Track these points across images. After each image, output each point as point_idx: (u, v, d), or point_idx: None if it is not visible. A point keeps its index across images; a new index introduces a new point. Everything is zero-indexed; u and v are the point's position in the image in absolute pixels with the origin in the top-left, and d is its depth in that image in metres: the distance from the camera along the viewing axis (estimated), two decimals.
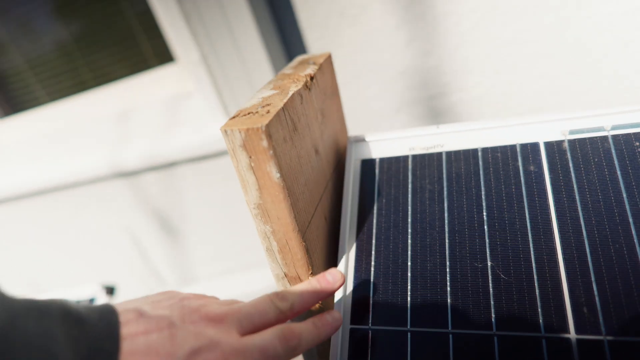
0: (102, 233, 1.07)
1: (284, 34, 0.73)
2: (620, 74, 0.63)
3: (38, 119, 1.05)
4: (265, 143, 0.26)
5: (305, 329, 0.27)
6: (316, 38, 0.71)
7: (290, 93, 0.30)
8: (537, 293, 0.27)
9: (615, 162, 0.29)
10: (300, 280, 0.32)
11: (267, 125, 0.26)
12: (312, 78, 0.34)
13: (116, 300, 1.18)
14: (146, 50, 0.93)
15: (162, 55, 0.92)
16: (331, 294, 0.30)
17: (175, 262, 1.09)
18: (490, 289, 0.29)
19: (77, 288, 0.97)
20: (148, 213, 1.02)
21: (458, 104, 0.72)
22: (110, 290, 1.01)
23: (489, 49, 0.66)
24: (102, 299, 0.93)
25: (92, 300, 0.94)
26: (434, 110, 0.73)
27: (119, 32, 0.91)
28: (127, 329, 0.22)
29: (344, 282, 0.31)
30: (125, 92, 0.96)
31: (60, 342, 0.20)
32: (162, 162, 0.89)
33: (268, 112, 0.27)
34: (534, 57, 0.65)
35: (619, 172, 0.29)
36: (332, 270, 0.31)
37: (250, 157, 0.27)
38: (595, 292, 0.26)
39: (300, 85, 0.32)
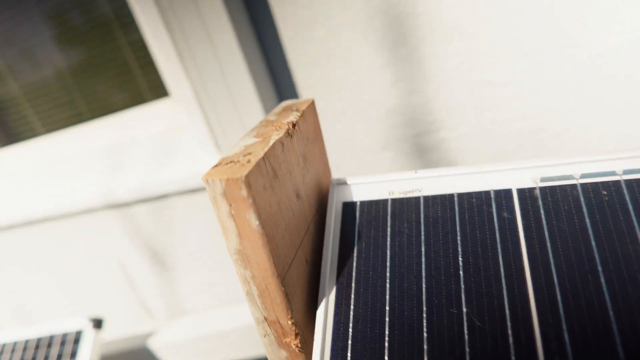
0: (92, 264, 1.07)
1: (273, 72, 0.75)
2: (599, 116, 0.66)
3: (33, 149, 1.05)
4: (244, 192, 0.27)
5: None
6: (305, 77, 0.73)
7: (272, 142, 0.31)
8: (510, 340, 0.28)
9: (584, 210, 0.31)
10: (280, 325, 0.32)
11: (247, 176, 0.27)
12: (294, 125, 0.35)
13: (103, 334, 1.16)
14: (142, 84, 0.95)
15: (157, 89, 0.95)
16: None
17: (165, 294, 1.08)
18: (466, 336, 0.29)
19: (63, 320, 0.95)
20: (138, 245, 1.01)
21: (443, 141, 0.73)
22: (98, 323, 0.99)
23: (471, 89, 0.68)
24: (88, 332, 0.92)
25: (79, 333, 0.92)
26: (420, 147, 0.75)
27: (116, 66, 0.94)
28: None
29: None
30: (120, 124, 0.98)
31: None
32: (153, 194, 0.89)
33: (249, 161, 0.28)
34: (514, 97, 0.67)
35: (587, 220, 0.30)
36: None
37: (230, 205, 0.28)
38: (567, 340, 0.27)
39: (282, 132, 0.33)
